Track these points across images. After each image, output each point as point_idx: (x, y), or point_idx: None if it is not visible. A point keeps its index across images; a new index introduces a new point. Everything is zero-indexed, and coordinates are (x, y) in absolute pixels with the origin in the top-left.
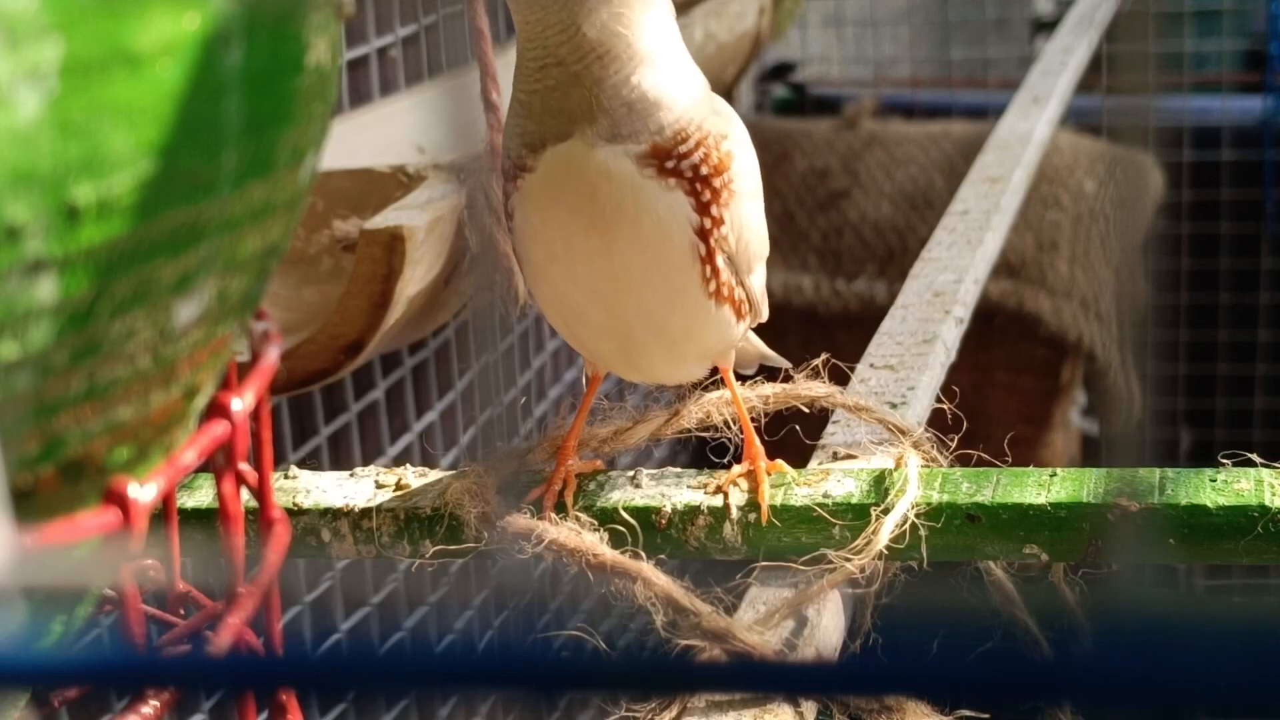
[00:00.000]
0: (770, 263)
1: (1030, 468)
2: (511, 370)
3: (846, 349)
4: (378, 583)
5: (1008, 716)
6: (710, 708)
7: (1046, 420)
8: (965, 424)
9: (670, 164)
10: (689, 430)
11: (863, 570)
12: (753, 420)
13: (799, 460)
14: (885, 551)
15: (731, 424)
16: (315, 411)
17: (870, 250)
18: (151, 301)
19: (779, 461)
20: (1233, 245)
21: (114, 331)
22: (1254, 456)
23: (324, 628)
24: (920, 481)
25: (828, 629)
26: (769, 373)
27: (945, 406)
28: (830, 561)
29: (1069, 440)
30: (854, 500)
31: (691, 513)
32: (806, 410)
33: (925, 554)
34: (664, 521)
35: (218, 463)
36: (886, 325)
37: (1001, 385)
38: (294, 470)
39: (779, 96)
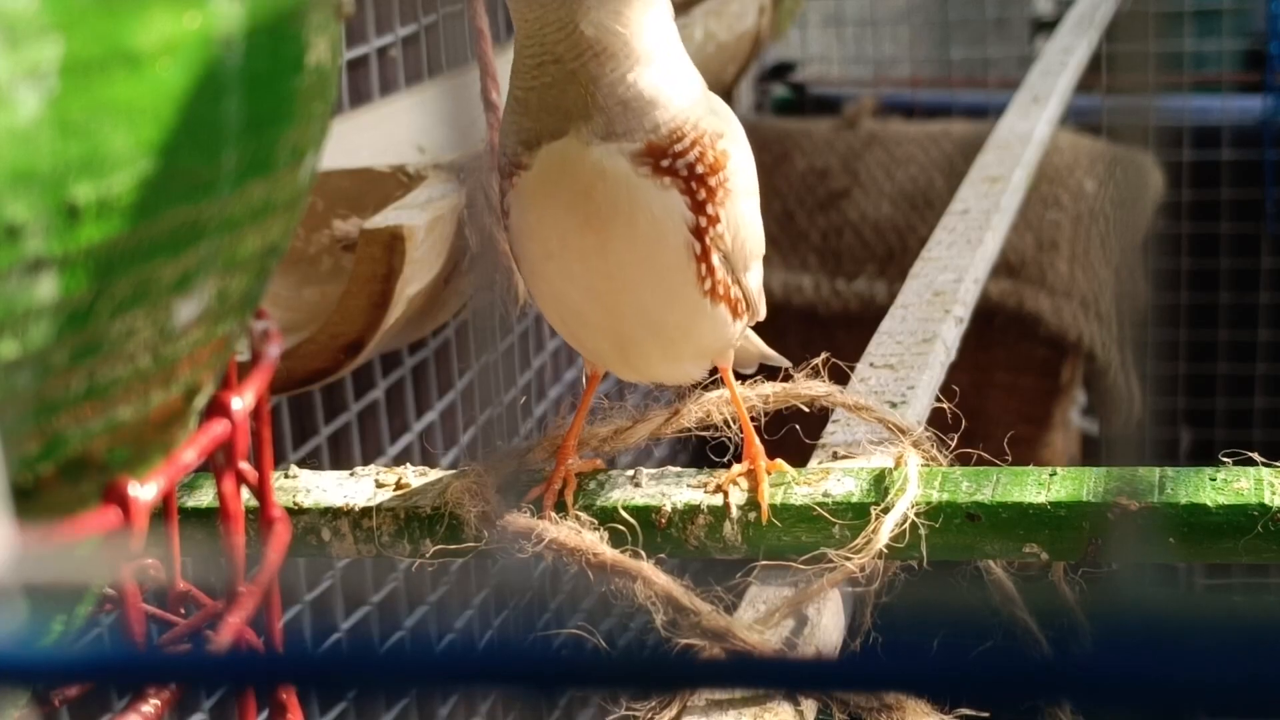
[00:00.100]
0: (770, 263)
1: (1030, 467)
2: (511, 370)
3: (846, 349)
4: (378, 582)
5: (1008, 715)
6: (710, 706)
7: (1046, 420)
8: (965, 423)
9: (665, 162)
10: (689, 429)
11: (863, 569)
12: (753, 419)
13: (799, 459)
14: (885, 550)
15: (731, 423)
16: (315, 411)
17: (870, 250)
18: (151, 301)
19: (779, 461)
20: (1233, 245)
21: (114, 331)
22: (1254, 455)
23: (324, 626)
24: (920, 481)
25: (828, 628)
26: (769, 372)
27: (945, 406)
28: (830, 560)
29: (1069, 440)
30: (854, 499)
31: (691, 512)
32: (806, 410)
33: (925, 553)
34: (664, 521)
35: (218, 462)
36: (886, 325)
37: (1001, 385)
38: (294, 470)
39: (779, 96)
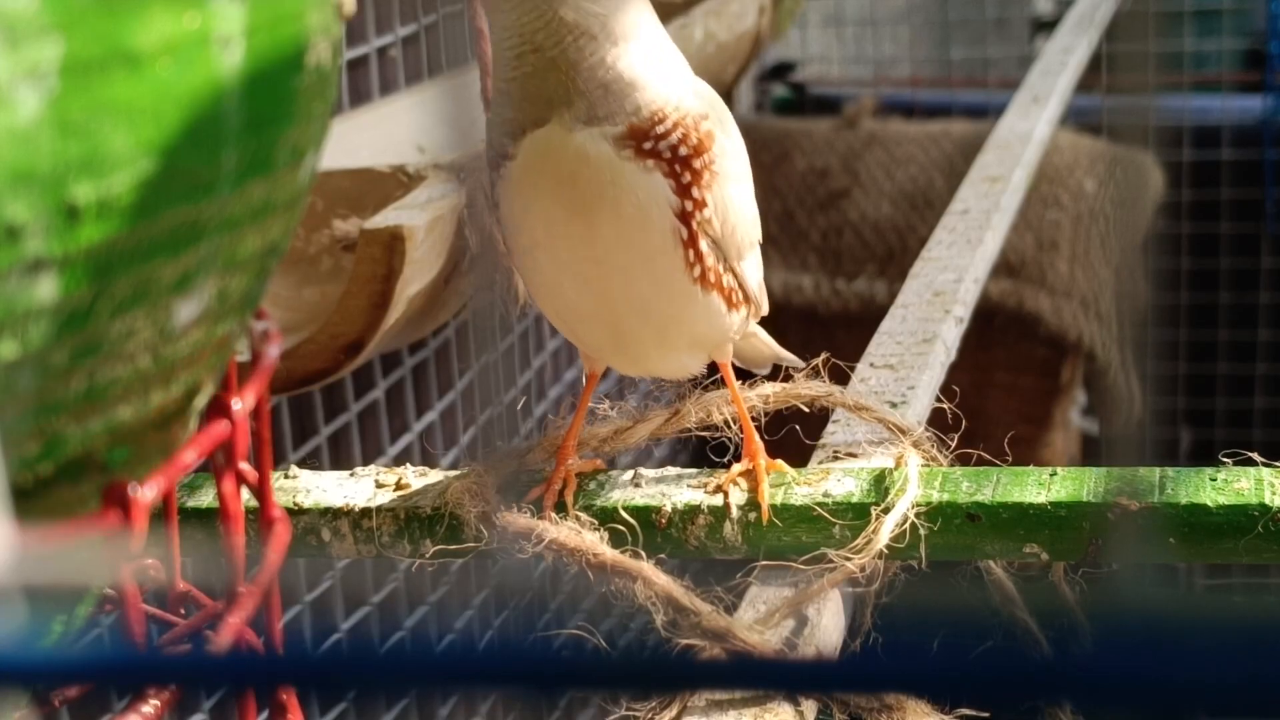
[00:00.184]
0: (770, 262)
1: (1030, 467)
2: (511, 370)
3: (846, 349)
4: (378, 582)
5: (1008, 715)
6: (710, 707)
7: (1046, 420)
8: (965, 423)
9: (648, 145)
10: (689, 429)
11: (863, 569)
12: (753, 419)
13: (799, 460)
14: (885, 551)
15: (732, 423)
16: (315, 411)
17: (870, 250)
18: (151, 301)
19: (779, 461)
20: (1233, 245)
21: (114, 331)
22: (1254, 455)
23: (324, 627)
24: (920, 481)
25: (828, 628)
26: (770, 372)
27: (945, 406)
28: (830, 560)
29: (1069, 440)
30: (854, 499)
31: (691, 512)
32: (806, 410)
33: (925, 553)
34: (664, 521)
35: (218, 462)
36: (886, 325)
37: (1001, 385)
38: (294, 470)
39: (779, 96)
